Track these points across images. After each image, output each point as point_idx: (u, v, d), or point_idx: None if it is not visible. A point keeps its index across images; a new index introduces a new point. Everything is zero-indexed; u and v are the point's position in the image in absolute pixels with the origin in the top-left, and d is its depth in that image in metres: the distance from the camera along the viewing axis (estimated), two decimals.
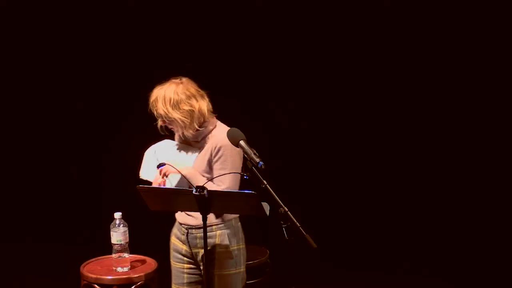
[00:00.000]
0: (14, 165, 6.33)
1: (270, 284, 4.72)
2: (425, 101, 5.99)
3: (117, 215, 4.21)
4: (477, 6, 5.73)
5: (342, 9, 5.97)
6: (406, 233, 5.97)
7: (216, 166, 3.93)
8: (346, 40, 6.02)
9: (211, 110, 4.01)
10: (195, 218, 3.96)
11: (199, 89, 3.99)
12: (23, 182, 6.33)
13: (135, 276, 4.22)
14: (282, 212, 3.61)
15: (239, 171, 3.90)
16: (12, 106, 6.29)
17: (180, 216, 4.07)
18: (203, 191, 3.66)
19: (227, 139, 3.83)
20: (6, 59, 6.21)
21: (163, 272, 4.37)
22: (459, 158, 5.97)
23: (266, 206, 3.71)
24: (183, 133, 3.96)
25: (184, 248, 4.05)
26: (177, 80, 3.96)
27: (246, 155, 3.74)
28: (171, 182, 4.00)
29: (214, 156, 3.94)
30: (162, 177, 3.97)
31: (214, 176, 3.90)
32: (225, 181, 3.88)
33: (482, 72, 5.83)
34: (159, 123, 3.99)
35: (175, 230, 4.11)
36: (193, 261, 4.04)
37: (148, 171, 4.06)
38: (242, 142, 3.77)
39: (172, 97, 3.90)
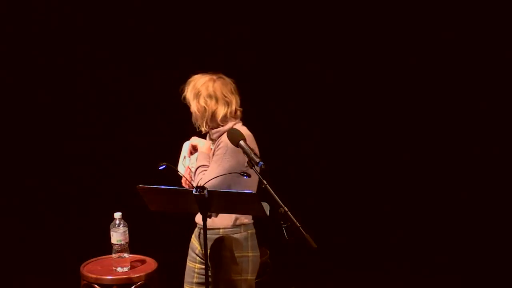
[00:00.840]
0: (14, 165, 6.33)
1: (270, 284, 4.71)
2: (424, 101, 6.00)
3: (117, 215, 4.21)
4: (476, 6, 5.74)
5: (342, 9, 5.97)
6: (406, 233, 5.98)
7: (212, 158, 3.96)
8: (345, 40, 6.02)
9: (236, 116, 4.05)
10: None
11: (228, 95, 4.02)
12: (23, 182, 6.33)
13: (135, 276, 4.22)
14: (282, 212, 3.61)
15: (230, 171, 3.90)
16: (12, 106, 6.29)
17: (197, 216, 4.08)
18: (203, 191, 3.67)
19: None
20: (6, 59, 6.21)
21: (163, 272, 4.38)
22: (459, 158, 5.97)
23: (266, 206, 3.71)
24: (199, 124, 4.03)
25: (198, 247, 4.06)
26: (215, 77, 4.03)
27: (246, 155, 3.74)
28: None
29: (214, 150, 3.96)
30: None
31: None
32: (211, 174, 3.88)
33: (480, 72, 5.84)
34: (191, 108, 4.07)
35: (195, 229, 4.13)
36: (204, 262, 4.04)
37: (181, 166, 4.10)
38: (242, 142, 3.78)
39: (199, 88, 3.98)
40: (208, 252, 3.90)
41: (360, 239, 6.03)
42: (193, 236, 4.14)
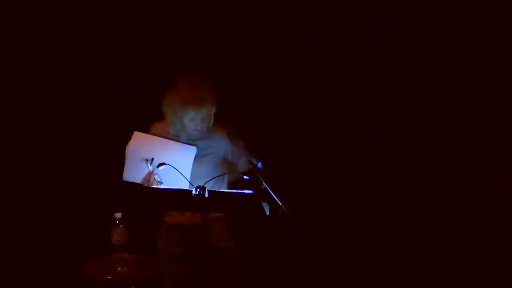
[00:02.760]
0: (14, 165, 6.33)
1: (269, 284, 4.72)
2: (425, 101, 6.00)
3: (117, 215, 4.22)
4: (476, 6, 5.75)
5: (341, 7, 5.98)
6: (406, 232, 5.98)
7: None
8: (344, 39, 6.02)
9: None
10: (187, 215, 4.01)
11: None
12: (22, 182, 6.33)
13: (135, 276, 4.22)
14: (281, 212, 3.63)
15: None
16: (12, 105, 6.28)
17: (174, 216, 4.09)
18: (203, 191, 3.68)
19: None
20: (5, 58, 6.21)
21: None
22: (458, 158, 5.98)
23: (266, 206, 3.73)
24: (198, 129, 4.05)
25: (177, 250, 4.08)
26: (197, 77, 4.09)
27: (246, 156, 3.76)
28: (161, 178, 4.02)
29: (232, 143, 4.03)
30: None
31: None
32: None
33: (478, 73, 5.84)
34: (201, 123, 4.02)
35: (165, 235, 4.15)
36: (189, 258, 4.08)
37: (132, 173, 4.06)
38: (242, 142, 3.80)
39: (212, 92, 4.02)
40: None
41: (360, 239, 6.03)
42: (162, 241, 4.16)
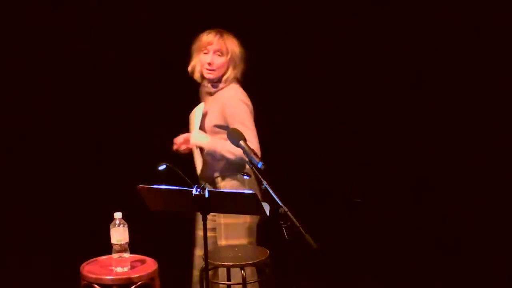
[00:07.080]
0: (14, 165, 6.33)
1: (270, 284, 4.71)
2: (426, 102, 6.00)
3: (117, 215, 4.21)
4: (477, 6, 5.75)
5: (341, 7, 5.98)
6: (407, 233, 5.98)
7: (231, 118, 4.29)
8: (343, 39, 6.02)
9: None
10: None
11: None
12: (22, 182, 6.33)
13: (135, 276, 4.22)
14: (282, 212, 3.62)
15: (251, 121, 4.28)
16: (13, 104, 6.28)
17: None
18: (203, 192, 3.67)
19: (231, 97, 4.29)
20: (5, 58, 6.20)
21: (163, 272, 4.38)
22: (457, 159, 5.97)
23: (266, 206, 3.72)
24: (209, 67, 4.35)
25: None
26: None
27: (246, 156, 3.75)
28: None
29: (225, 114, 4.32)
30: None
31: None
32: (250, 139, 4.09)
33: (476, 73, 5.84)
34: (210, 57, 4.36)
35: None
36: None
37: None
38: (241, 142, 3.80)
39: (237, 44, 4.43)
40: None
41: (360, 239, 6.03)
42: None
